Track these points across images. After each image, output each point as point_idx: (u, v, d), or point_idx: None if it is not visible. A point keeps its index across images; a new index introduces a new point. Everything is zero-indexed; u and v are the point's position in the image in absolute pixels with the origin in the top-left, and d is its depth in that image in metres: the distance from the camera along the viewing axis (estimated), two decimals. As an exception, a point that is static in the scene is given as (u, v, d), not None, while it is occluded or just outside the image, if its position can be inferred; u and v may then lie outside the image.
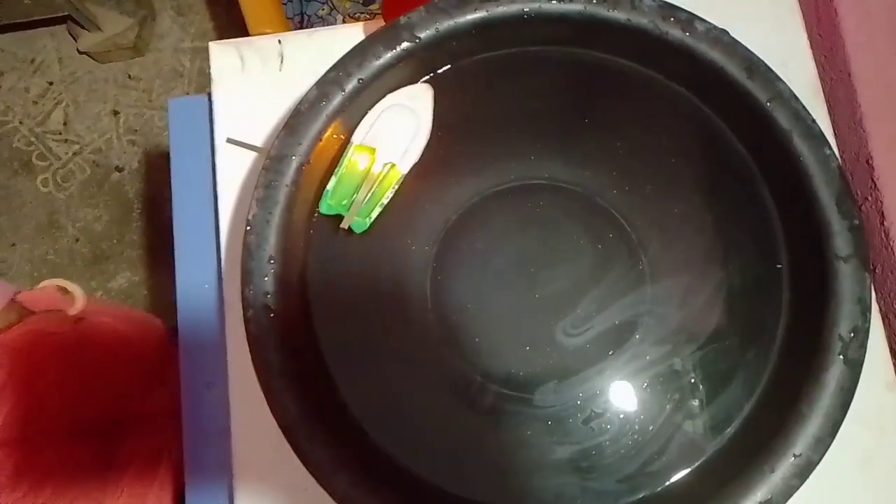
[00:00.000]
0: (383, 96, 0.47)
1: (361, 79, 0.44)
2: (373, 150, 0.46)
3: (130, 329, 0.77)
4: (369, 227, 0.46)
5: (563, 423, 0.44)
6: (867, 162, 0.63)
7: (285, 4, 1.02)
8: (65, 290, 0.65)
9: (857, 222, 0.40)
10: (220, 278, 0.54)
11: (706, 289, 0.45)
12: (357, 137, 0.46)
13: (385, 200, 0.46)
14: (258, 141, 0.54)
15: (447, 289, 0.47)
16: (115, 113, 1.43)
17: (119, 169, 1.41)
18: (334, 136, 0.45)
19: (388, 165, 0.46)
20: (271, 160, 0.43)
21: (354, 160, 0.45)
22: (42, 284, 0.65)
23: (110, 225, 1.39)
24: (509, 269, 0.48)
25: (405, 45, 0.45)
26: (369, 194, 0.45)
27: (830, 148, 0.41)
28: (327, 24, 0.99)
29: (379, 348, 0.45)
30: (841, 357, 0.39)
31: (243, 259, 0.41)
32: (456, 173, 0.48)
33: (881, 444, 0.49)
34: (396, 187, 0.46)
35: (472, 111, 0.49)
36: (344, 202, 0.45)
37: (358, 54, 0.44)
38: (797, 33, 0.57)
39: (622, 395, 0.44)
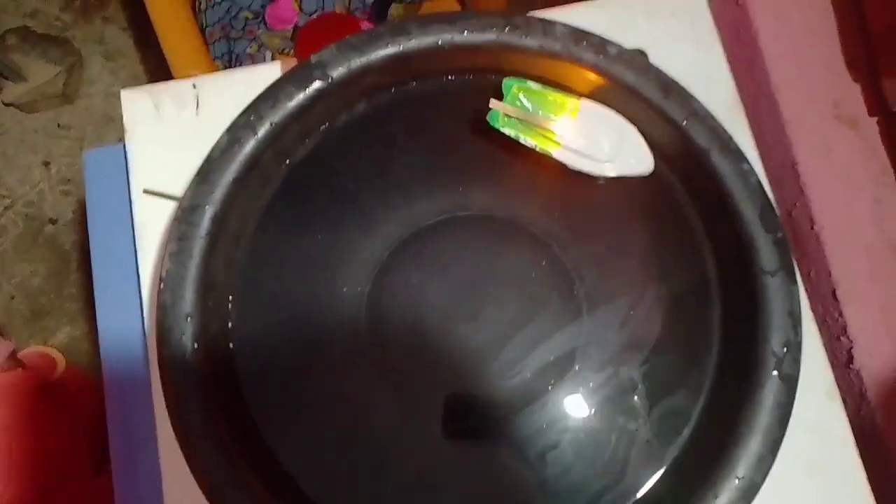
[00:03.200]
0: (302, 136, 0.45)
1: (274, 122, 0.43)
2: (555, 140, 0.44)
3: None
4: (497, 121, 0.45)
5: (516, 460, 0.42)
6: (794, 168, 0.64)
7: (212, 45, 1.00)
8: (45, 356, 0.63)
9: (780, 235, 0.40)
10: (144, 335, 0.51)
11: (642, 312, 0.44)
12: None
13: (516, 132, 0.45)
14: (178, 189, 0.53)
15: (383, 330, 0.45)
16: (46, 164, 1.39)
17: (53, 221, 1.36)
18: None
19: (545, 135, 0.45)
20: (184, 211, 0.41)
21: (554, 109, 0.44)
22: (22, 353, 0.63)
23: (47, 279, 1.34)
24: (445, 306, 0.46)
25: (317, 84, 0.44)
26: (526, 120, 0.44)
27: (749, 163, 0.42)
28: (256, 62, 0.97)
29: (313, 399, 0.44)
30: (776, 373, 0.38)
31: (158, 318, 0.39)
32: (387, 209, 0.47)
33: (825, 453, 0.49)
34: (531, 145, 0.45)
35: (398, 146, 0.48)
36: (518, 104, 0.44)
37: (269, 97, 0.43)
38: (715, 50, 0.57)
39: (571, 425, 0.43)
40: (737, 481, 0.37)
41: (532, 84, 0.44)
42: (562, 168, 0.47)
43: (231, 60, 1.00)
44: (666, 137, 0.44)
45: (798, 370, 0.38)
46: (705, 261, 0.44)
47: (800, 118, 0.63)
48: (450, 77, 0.48)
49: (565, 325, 0.44)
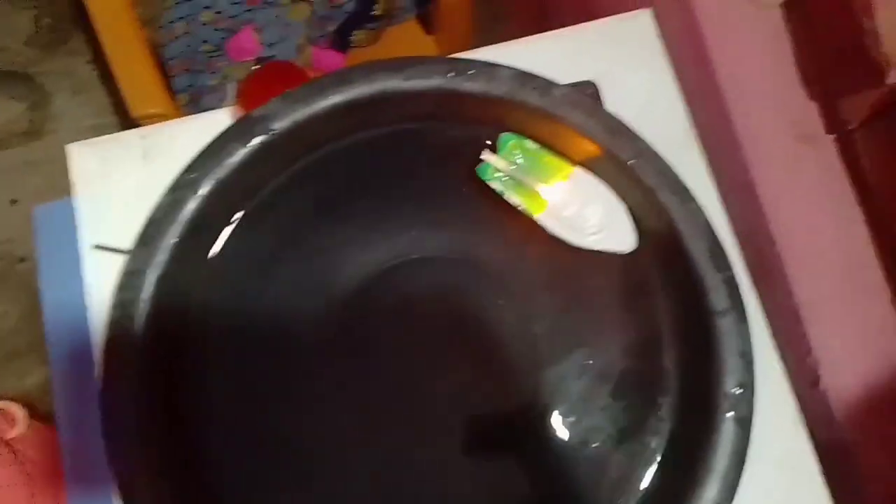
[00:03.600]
0: (247, 190, 0.45)
1: (217, 178, 0.42)
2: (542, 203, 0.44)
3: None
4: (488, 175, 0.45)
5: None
6: (753, 189, 0.64)
7: (172, 78, 1.00)
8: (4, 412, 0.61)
9: (729, 274, 0.40)
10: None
11: (600, 359, 0.44)
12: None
13: (503, 188, 0.45)
14: (129, 243, 0.52)
15: (348, 386, 0.44)
16: (14, 202, 1.37)
17: (23, 259, 1.34)
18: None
19: (533, 196, 0.44)
20: (125, 276, 0.40)
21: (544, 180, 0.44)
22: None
23: (19, 320, 1.32)
24: (400, 359, 0.46)
25: (261, 138, 0.43)
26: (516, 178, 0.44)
27: (696, 202, 0.41)
28: (219, 95, 0.97)
29: (279, 465, 0.43)
30: (731, 414, 0.38)
31: (102, 391, 0.39)
32: (340, 262, 0.46)
33: (791, 480, 0.48)
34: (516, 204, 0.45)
35: (347, 195, 0.48)
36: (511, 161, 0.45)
37: (212, 154, 0.43)
38: (667, 78, 0.57)
39: (534, 474, 0.43)
40: (695, 529, 0.37)
41: (529, 143, 0.44)
42: (510, 212, 0.47)
43: (194, 93, 0.99)
44: (614, 177, 0.44)
45: (752, 411, 0.38)
46: (659, 305, 0.43)
47: (757, 139, 0.63)
48: (396, 126, 0.47)
49: (525, 371, 0.44)
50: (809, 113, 0.64)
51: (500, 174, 0.44)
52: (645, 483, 0.41)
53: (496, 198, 0.47)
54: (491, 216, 0.47)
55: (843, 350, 0.59)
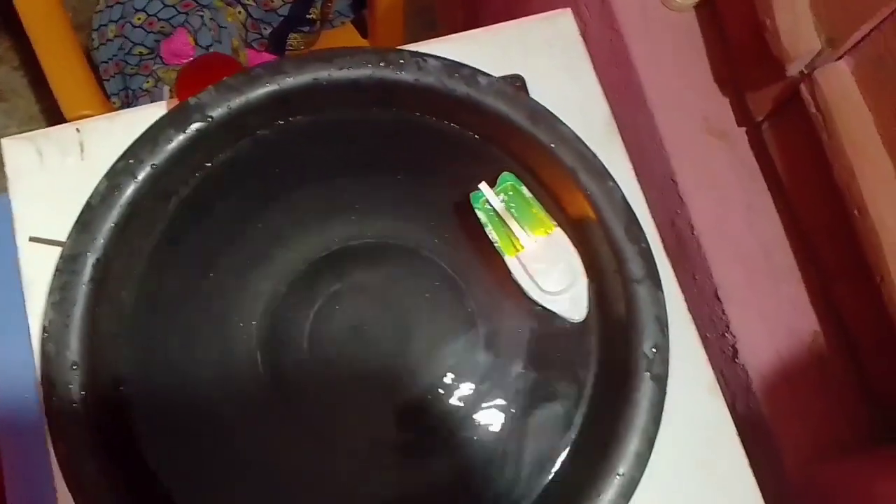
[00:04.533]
0: (184, 177, 0.46)
1: (154, 164, 0.43)
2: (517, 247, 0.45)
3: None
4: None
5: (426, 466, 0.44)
6: (672, 179, 0.68)
7: (106, 81, 0.99)
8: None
9: (644, 245, 0.43)
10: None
11: (529, 323, 0.47)
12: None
13: (487, 221, 0.45)
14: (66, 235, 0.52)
15: (283, 363, 0.46)
16: (-63, 212, 1.32)
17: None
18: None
19: (511, 239, 0.45)
20: (64, 260, 0.41)
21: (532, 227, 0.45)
22: None
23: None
24: (344, 334, 0.47)
25: (197, 125, 0.44)
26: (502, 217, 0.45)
27: (614, 181, 0.45)
28: (154, 98, 0.96)
29: (212, 440, 0.44)
30: (647, 374, 0.41)
31: (42, 368, 0.39)
32: (281, 244, 0.48)
33: (711, 445, 0.52)
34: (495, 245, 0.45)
35: (288, 180, 0.49)
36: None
37: (148, 140, 0.44)
38: (588, 75, 0.61)
39: (463, 437, 0.45)
40: (617, 478, 0.39)
41: (525, 190, 0.45)
42: (441, 195, 0.49)
43: (128, 97, 0.99)
44: (538, 160, 0.47)
45: (667, 370, 0.41)
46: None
47: (675, 133, 0.68)
48: (333, 113, 0.49)
49: (461, 335, 0.46)
50: (722, 108, 0.68)
51: (489, 208, 0.45)
52: (568, 440, 0.43)
53: (424, 182, 0.50)
54: (422, 200, 0.50)
55: (759, 327, 0.63)
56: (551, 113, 0.46)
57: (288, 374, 0.46)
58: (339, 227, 0.49)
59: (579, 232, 0.46)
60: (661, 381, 0.41)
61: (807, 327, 0.62)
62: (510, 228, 0.44)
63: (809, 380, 0.61)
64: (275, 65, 0.46)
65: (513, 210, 0.45)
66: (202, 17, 0.94)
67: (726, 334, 0.65)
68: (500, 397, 0.45)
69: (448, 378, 0.46)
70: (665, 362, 0.41)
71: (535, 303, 0.44)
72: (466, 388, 0.46)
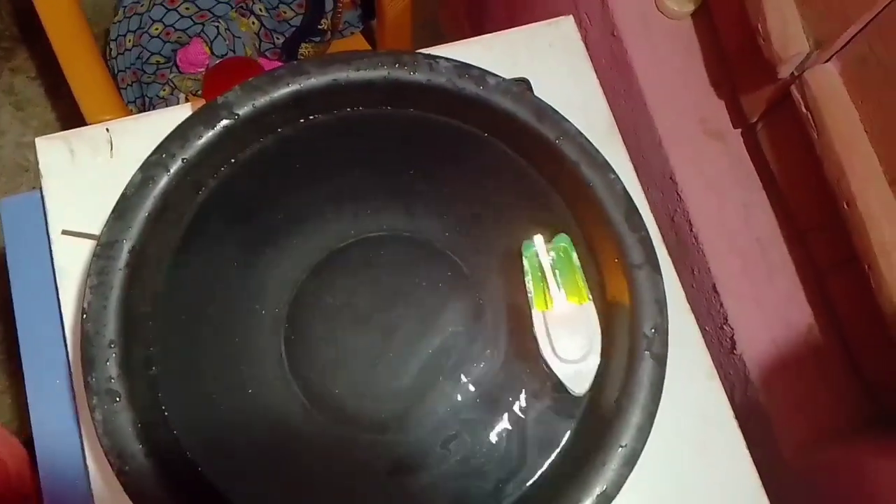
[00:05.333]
0: (212, 171, 0.49)
1: (185, 158, 0.46)
2: (548, 304, 0.45)
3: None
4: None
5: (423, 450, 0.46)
6: (671, 178, 0.71)
7: (124, 90, 1.02)
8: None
9: (644, 233, 0.46)
10: (70, 375, 0.53)
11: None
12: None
13: (530, 270, 0.46)
14: (97, 230, 0.55)
15: (302, 349, 0.49)
16: (-44, 217, 1.35)
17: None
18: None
19: (545, 297, 0.46)
20: (102, 247, 0.44)
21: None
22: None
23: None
24: (360, 322, 0.50)
25: (224, 122, 0.47)
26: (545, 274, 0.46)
27: (615, 173, 0.47)
28: (169, 105, 1.00)
29: (235, 417, 0.47)
30: (647, 353, 0.44)
31: (82, 347, 0.42)
32: (300, 235, 0.51)
33: (709, 428, 0.54)
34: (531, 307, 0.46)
35: (306, 175, 0.52)
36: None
37: (179, 136, 0.47)
38: (589, 78, 0.64)
39: (470, 416, 0.48)
40: (620, 449, 0.42)
41: (576, 257, 0.46)
42: (453, 190, 0.52)
43: (144, 104, 1.02)
44: (543, 155, 0.49)
45: (666, 350, 0.44)
46: (588, 262, 0.49)
47: (673, 135, 0.71)
48: (350, 112, 0.52)
49: (469, 324, 0.49)
50: (718, 110, 0.72)
51: (536, 261, 0.46)
52: (576, 418, 0.46)
53: (436, 176, 0.52)
54: (435, 195, 0.53)
55: (754, 319, 0.66)
56: (556, 111, 0.49)
57: (306, 354, 0.48)
58: (355, 220, 0.52)
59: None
60: (660, 361, 0.44)
61: (802, 319, 0.65)
62: (548, 285, 0.45)
63: (805, 368, 0.64)
64: (297, 66, 0.49)
65: (558, 271, 0.46)
66: (217, 27, 0.98)
67: (724, 326, 0.68)
68: (509, 384, 0.48)
69: (457, 362, 0.49)
70: (664, 342, 0.44)
71: (543, 360, 0.45)
72: (477, 372, 0.48)
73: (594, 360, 0.45)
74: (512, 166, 0.51)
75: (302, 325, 0.49)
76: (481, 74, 0.49)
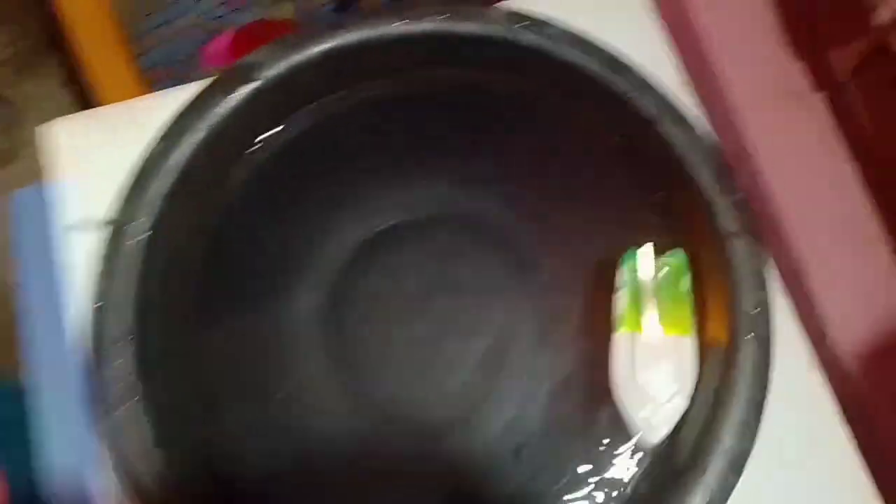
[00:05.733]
0: (246, 143, 0.44)
1: (211, 125, 0.41)
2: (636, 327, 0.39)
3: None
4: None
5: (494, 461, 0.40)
6: (747, 152, 0.64)
7: (154, 87, 1.00)
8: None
9: (739, 197, 0.39)
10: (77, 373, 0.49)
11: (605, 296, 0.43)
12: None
13: (625, 284, 0.40)
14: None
15: (346, 339, 0.43)
16: (-12, 226, 1.34)
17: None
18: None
19: (637, 317, 0.40)
20: (115, 227, 0.39)
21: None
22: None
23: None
24: (409, 310, 0.44)
25: (252, 85, 0.42)
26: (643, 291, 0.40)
27: (699, 130, 0.41)
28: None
29: (274, 412, 0.41)
30: (751, 335, 0.37)
31: (94, 335, 0.37)
32: (347, 211, 0.45)
33: (818, 423, 0.47)
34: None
35: (350, 149, 0.46)
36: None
37: (201, 102, 0.41)
38: (657, 37, 0.57)
39: (543, 423, 0.41)
40: (724, 451, 0.35)
41: (687, 282, 0.40)
42: (515, 162, 0.45)
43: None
44: (616, 111, 0.43)
45: (771, 331, 0.37)
46: (670, 233, 0.42)
47: (749, 102, 0.64)
48: (397, 76, 0.46)
49: (529, 309, 0.43)
50: (796, 73, 0.64)
51: (636, 274, 0.40)
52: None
53: (495, 147, 0.46)
54: (493, 168, 0.46)
55: (846, 304, 0.59)
56: (629, 62, 0.42)
57: (345, 341, 0.43)
58: (404, 197, 0.46)
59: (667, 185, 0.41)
60: (765, 343, 0.37)
61: (903, 302, 0.57)
62: (644, 305, 0.39)
63: (908, 358, 0.57)
64: (333, 23, 0.43)
65: (661, 292, 0.39)
66: (253, 14, 0.94)
67: (812, 314, 0.61)
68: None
69: (529, 354, 0.42)
70: (768, 322, 0.37)
71: (615, 388, 0.38)
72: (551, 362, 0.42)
73: (677, 406, 0.38)
74: (581, 128, 0.45)
75: (341, 312, 0.44)
76: (541, 23, 0.43)
